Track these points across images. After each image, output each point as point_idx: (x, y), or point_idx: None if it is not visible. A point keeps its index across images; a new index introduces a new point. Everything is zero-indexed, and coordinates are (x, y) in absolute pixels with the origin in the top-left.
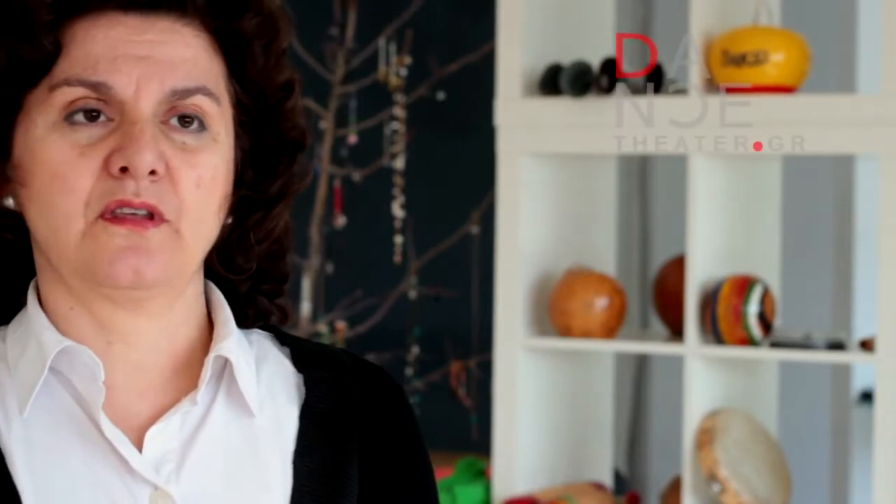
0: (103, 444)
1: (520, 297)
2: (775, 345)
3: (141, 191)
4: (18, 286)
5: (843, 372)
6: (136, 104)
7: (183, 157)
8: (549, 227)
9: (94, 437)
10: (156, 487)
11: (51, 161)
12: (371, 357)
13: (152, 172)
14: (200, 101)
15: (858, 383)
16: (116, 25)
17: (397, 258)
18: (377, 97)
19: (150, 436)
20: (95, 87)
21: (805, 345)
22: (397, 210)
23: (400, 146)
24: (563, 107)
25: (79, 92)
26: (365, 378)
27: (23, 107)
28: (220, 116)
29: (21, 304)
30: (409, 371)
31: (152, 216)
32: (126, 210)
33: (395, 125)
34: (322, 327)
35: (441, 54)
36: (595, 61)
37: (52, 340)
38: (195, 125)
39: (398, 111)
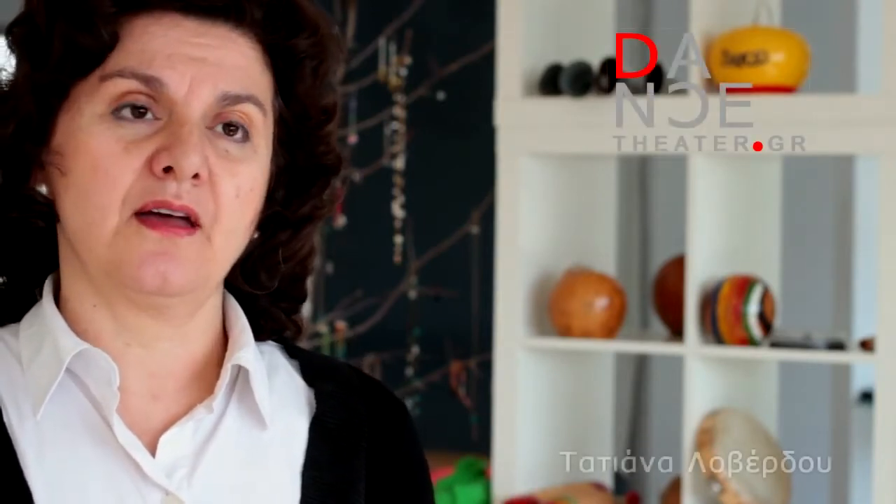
0: (116, 447)
1: (520, 297)
2: (775, 345)
3: (182, 193)
4: (33, 280)
5: (843, 372)
6: (186, 104)
7: (225, 164)
8: (549, 227)
9: (107, 441)
10: (167, 493)
11: (94, 153)
12: (371, 357)
13: (195, 176)
14: (249, 110)
15: (858, 383)
16: (175, 26)
17: (397, 258)
18: (377, 97)
19: (164, 441)
20: (148, 81)
21: (805, 345)
22: (397, 210)
23: (400, 146)
24: (563, 107)
25: (131, 85)
26: (370, 395)
27: (69, 95)
28: (264, 128)
29: (34, 298)
30: (409, 371)
31: (188, 221)
32: (163, 211)
33: (395, 125)
34: (322, 327)
35: (441, 54)
36: (595, 61)
37: (68, 343)
38: (239, 134)
39: (398, 111)
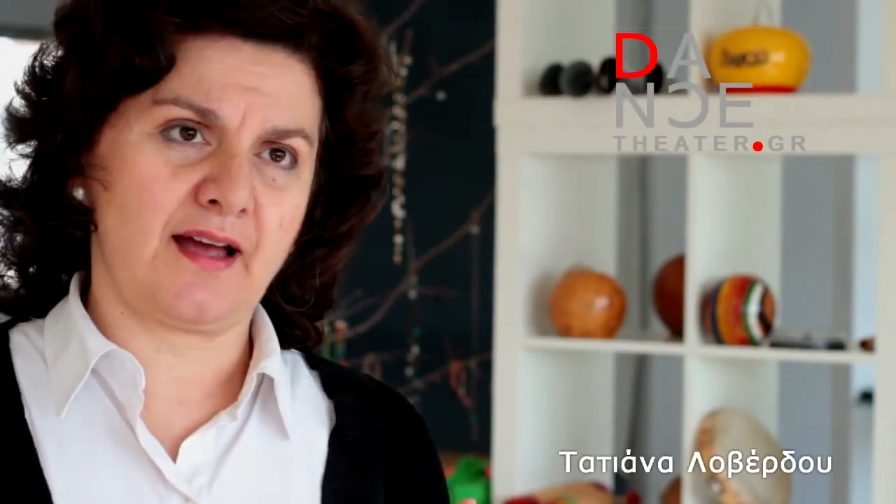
0: (138, 451)
1: (520, 297)
2: (775, 345)
3: (226, 226)
4: (59, 276)
5: (843, 372)
6: (237, 135)
7: (271, 194)
8: (549, 227)
9: (129, 444)
10: (187, 499)
11: (141, 173)
12: (371, 357)
13: (243, 210)
14: (297, 143)
15: (858, 383)
16: (233, 52)
17: (397, 258)
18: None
19: (186, 447)
20: (203, 112)
21: (805, 345)
22: (397, 210)
23: (400, 146)
24: (563, 107)
25: (184, 114)
26: (390, 408)
27: (117, 108)
28: (310, 157)
29: (59, 293)
30: (409, 371)
31: (229, 251)
32: (205, 240)
33: (395, 125)
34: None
35: (441, 54)
36: (595, 61)
37: (96, 343)
38: (286, 160)
39: (398, 111)
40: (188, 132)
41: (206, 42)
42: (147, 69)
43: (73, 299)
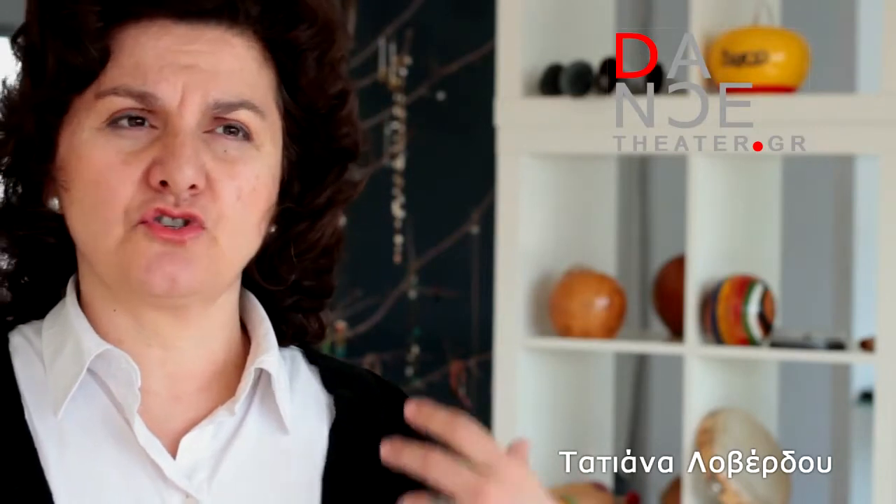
0: (137, 448)
1: (520, 297)
2: (775, 345)
3: (181, 202)
4: (56, 278)
5: (843, 372)
6: (179, 115)
7: (224, 167)
8: (549, 227)
9: (128, 442)
10: (187, 495)
11: (94, 166)
12: (371, 357)
13: (192, 187)
14: (243, 116)
15: (858, 383)
16: (166, 34)
17: (397, 258)
18: (377, 97)
19: (185, 443)
20: (142, 97)
21: (805, 345)
22: (397, 210)
23: (400, 146)
24: (563, 107)
25: (126, 102)
26: (390, 402)
27: (69, 110)
28: (265, 130)
29: (58, 295)
30: (409, 371)
31: (191, 224)
32: (165, 220)
33: (395, 125)
34: None
35: (441, 54)
36: (595, 61)
37: (90, 343)
38: (240, 135)
39: (398, 111)
40: (136, 120)
41: (139, 29)
42: (81, 66)
43: (70, 301)
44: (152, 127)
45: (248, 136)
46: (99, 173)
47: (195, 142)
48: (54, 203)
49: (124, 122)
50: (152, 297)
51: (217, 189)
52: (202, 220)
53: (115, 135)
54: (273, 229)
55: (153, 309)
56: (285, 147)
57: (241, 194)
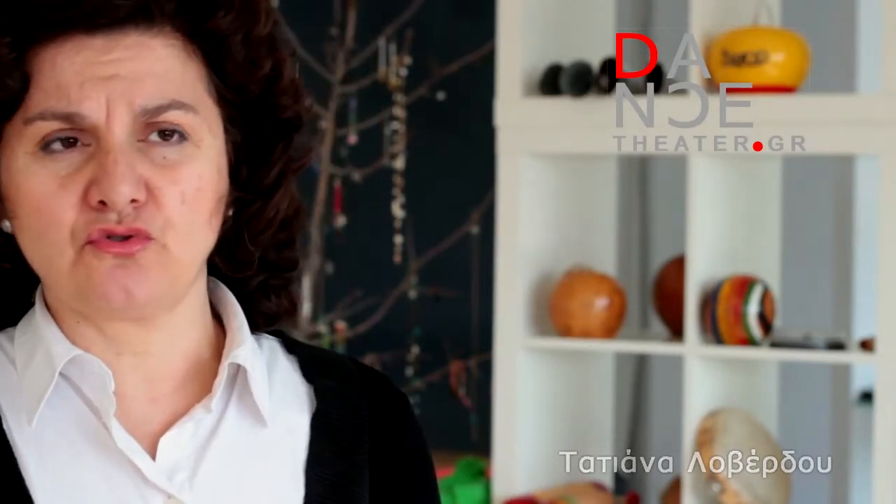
0: (116, 452)
1: (520, 297)
2: (775, 345)
3: (123, 218)
4: (25, 287)
5: (843, 372)
6: (109, 129)
7: (164, 174)
8: (549, 227)
9: (107, 445)
10: (169, 496)
11: (33, 193)
12: (371, 357)
13: (133, 201)
14: (174, 116)
15: (858, 383)
16: (83, 49)
17: (397, 258)
18: (377, 97)
19: (164, 444)
20: (68, 118)
21: (805, 345)
22: (397, 210)
23: (400, 146)
24: (563, 107)
25: (53, 125)
26: (371, 387)
27: (2, 137)
28: (200, 125)
29: (30, 302)
30: (409, 371)
31: (136, 235)
32: (112, 238)
33: (395, 125)
34: (322, 327)
35: (441, 54)
36: (595, 61)
37: (61, 349)
38: (175, 137)
39: (398, 111)
40: (68, 140)
41: (55, 49)
42: (2, 96)
43: (39, 309)
44: (85, 145)
45: (184, 136)
46: (39, 200)
47: (129, 155)
48: (6, 226)
49: (57, 146)
50: (112, 311)
51: (160, 197)
52: (146, 232)
53: (49, 159)
54: (230, 213)
55: (116, 321)
56: (227, 133)
57: (186, 198)
